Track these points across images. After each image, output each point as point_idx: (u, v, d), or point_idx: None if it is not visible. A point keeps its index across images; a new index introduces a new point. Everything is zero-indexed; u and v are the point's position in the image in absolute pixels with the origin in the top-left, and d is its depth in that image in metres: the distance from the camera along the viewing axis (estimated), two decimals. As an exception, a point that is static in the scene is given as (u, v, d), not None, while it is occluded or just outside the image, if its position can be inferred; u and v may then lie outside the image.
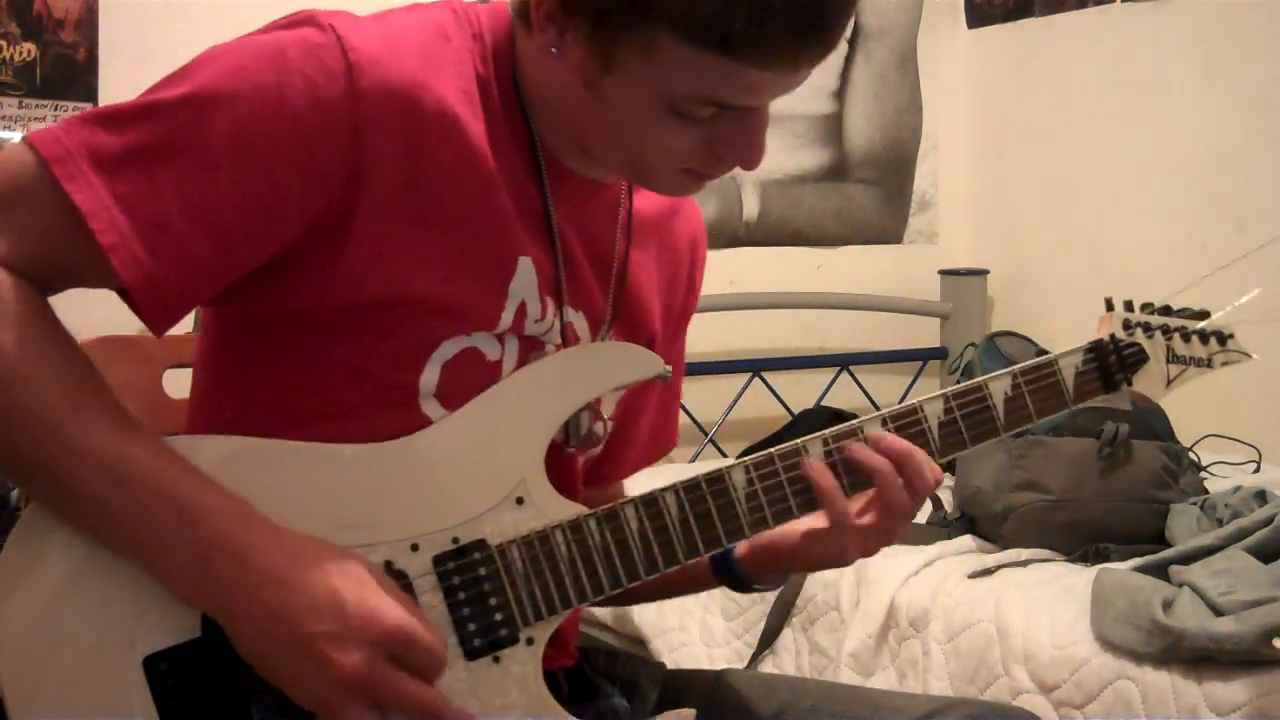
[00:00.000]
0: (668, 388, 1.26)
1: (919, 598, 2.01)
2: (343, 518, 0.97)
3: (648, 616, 2.34)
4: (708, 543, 1.03)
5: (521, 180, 1.04)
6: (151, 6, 2.40)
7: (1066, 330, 2.93)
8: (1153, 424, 2.29)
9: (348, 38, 0.94)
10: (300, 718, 0.93)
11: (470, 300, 1.01)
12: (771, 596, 2.19)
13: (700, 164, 1.00)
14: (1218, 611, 1.66)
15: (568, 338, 1.08)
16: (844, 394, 3.16)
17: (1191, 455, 2.46)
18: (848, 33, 3.34)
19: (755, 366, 3.12)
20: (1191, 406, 2.70)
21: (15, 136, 2.36)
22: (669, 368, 1.09)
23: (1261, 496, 2.10)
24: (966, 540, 2.19)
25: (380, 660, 0.90)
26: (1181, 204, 3.00)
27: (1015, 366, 1.11)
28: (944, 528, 2.24)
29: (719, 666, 1.45)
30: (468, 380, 1.02)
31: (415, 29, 1.00)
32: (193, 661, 0.92)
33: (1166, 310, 1.19)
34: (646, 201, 1.15)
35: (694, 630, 2.30)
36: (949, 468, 2.59)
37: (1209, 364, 1.20)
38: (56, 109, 2.39)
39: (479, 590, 0.98)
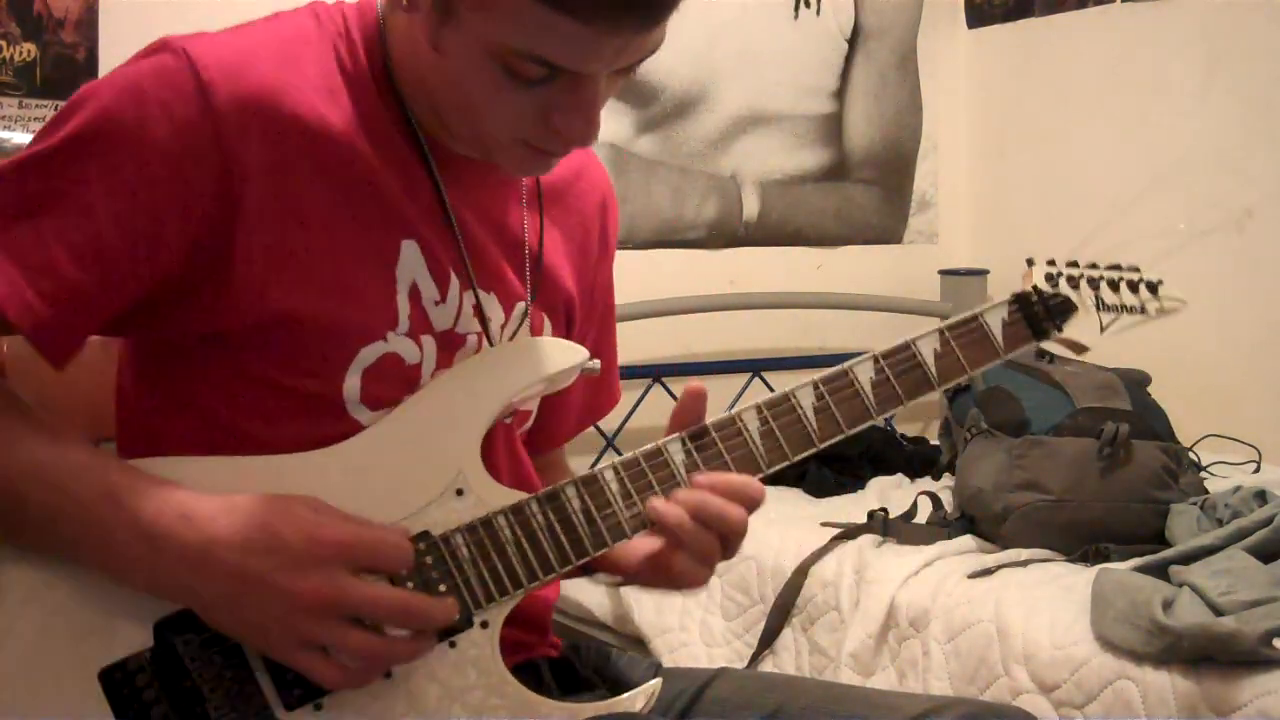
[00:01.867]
0: (600, 346, 1.27)
1: (919, 598, 2.01)
2: None
3: (647, 616, 2.34)
4: None
5: (411, 167, 1.05)
6: (151, 6, 2.40)
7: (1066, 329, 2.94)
8: (1153, 424, 2.29)
9: (199, 57, 0.96)
10: (256, 714, 0.95)
11: (361, 294, 1.02)
12: (771, 596, 2.19)
13: (536, 136, 0.99)
14: (1218, 611, 1.66)
15: (481, 320, 1.09)
16: (844, 394, 3.16)
17: (1191, 455, 2.46)
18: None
19: (755, 366, 3.12)
20: (1191, 406, 2.71)
21: (15, 136, 2.36)
22: (597, 361, 1.12)
23: (1261, 496, 2.10)
24: (966, 540, 2.19)
25: (340, 574, 0.92)
26: (1181, 204, 3.00)
27: (942, 324, 1.14)
28: (944, 528, 2.24)
29: (718, 666, 1.45)
30: (390, 384, 1.04)
31: (272, 36, 1.02)
32: (147, 670, 0.94)
33: (1093, 266, 1.22)
34: (550, 174, 1.14)
35: (694, 630, 2.30)
36: (949, 468, 2.59)
37: (1143, 310, 1.23)
38: (56, 109, 2.38)
39: (426, 578, 0.99)
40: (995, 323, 1.15)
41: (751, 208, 3.27)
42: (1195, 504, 2.14)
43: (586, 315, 1.25)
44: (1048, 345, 1.20)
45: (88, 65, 2.40)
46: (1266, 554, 1.82)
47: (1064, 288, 1.19)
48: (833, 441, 1.09)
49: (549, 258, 1.16)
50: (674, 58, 3.07)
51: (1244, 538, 1.87)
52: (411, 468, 1.02)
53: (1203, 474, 2.47)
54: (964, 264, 3.45)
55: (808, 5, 3.30)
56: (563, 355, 1.10)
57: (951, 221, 3.57)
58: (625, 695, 1.06)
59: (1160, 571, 1.85)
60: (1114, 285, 1.21)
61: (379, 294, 1.03)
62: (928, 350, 1.12)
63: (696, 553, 1.04)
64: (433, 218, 1.06)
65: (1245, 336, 2.89)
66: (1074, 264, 1.21)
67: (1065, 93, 3.29)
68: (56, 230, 0.94)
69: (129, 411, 1.10)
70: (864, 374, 1.10)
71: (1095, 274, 1.21)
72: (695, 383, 1.06)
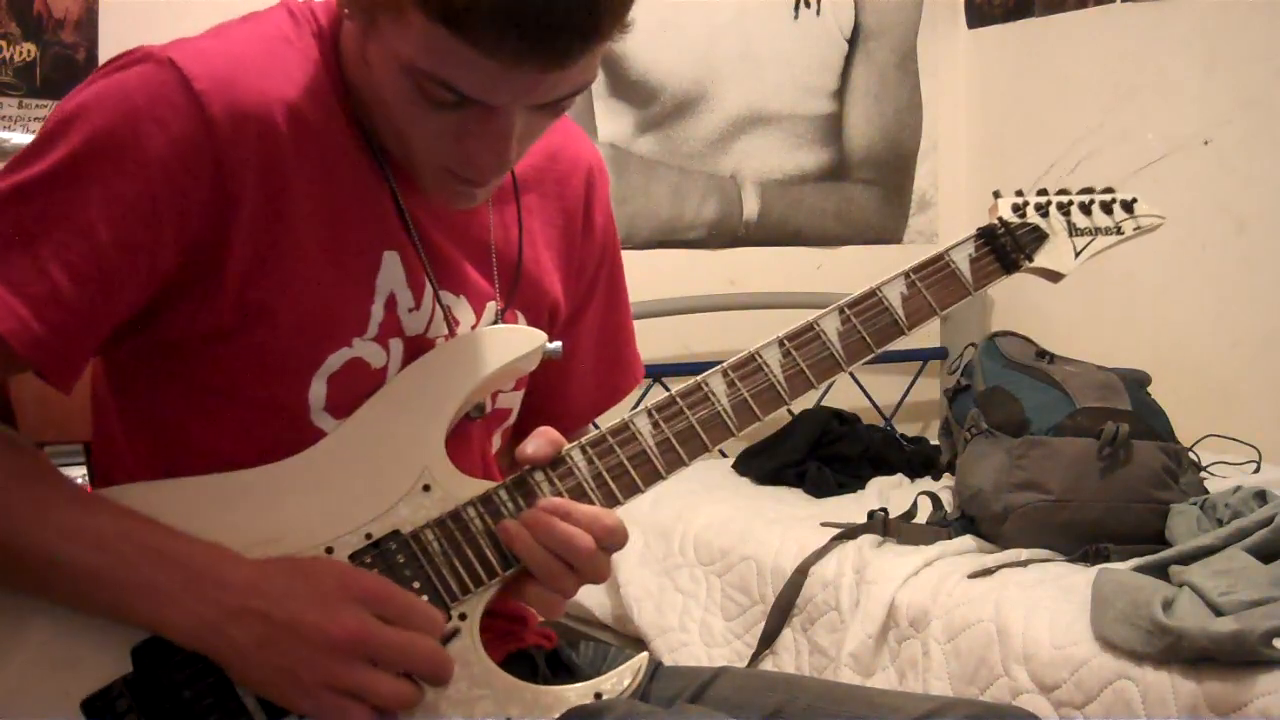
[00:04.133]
0: (607, 324, 1.25)
1: (919, 598, 2.01)
2: (249, 538, 0.98)
3: (648, 617, 2.34)
4: (625, 490, 1.04)
5: (375, 175, 1.04)
6: (151, 6, 2.40)
7: (1067, 330, 2.95)
8: (1153, 424, 2.28)
9: (188, 68, 0.95)
10: None
11: (341, 303, 1.02)
12: (771, 596, 2.19)
13: (454, 161, 0.98)
14: (1218, 611, 1.66)
15: (450, 324, 1.08)
16: (844, 394, 3.16)
17: (1191, 455, 2.45)
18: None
19: (755, 367, 3.12)
20: (1191, 406, 2.71)
21: (15, 137, 2.35)
22: (558, 344, 1.10)
23: (1261, 496, 2.10)
24: (966, 540, 2.19)
25: (370, 617, 0.93)
26: (1181, 204, 3.00)
27: (906, 267, 1.13)
28: (944, 528, 2.24)
29: (719, 666, 1.45)
30: (355, 390, 1.04)
31: (254, 40, 1.01)
32: (128, 696, 0.94)
33: (1063, 192, 1.20)
34: (520, 163, 1.11)
35: (694, 630, 2.30)
36: (949, 468, 2.59)
37: (1119, 231, 1.21)
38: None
39: (399, 577, 0.99)
40: (962, 260, 1.15)
41: (751, 208, 3.27)
42: (1195, 504, 2.14)
43: (578, 297, 1.22)
44: (1022, 273, 1.18)
45: (87, 65, 2.40)
46: (1266, 554, 1.82)
47: (1032, 216, 1.17)
48: (802, 396, 1.09)
49: (527, 253, 1.15)
50: (674, 58, 3.06)
51: (1244, 538, 1.87)
52: (377, 469, 1.02)
53: (1203, 474, 2.47)
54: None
55: (808, 5, 3.30)
56: (520, 341, 1.09)
57: (951, 221, 3.56)
58: (612, 672, 1.04)
59: (1160, 571, 1.85)
60: (1085, 209, 1.20)
61: (355, 301, 1.03)
62: (894, 295, 1.12)
63: (545, 579, 1.00)
64: (397, 225, 1.05)
65: (1245, 336, 2.89)
66: (1043, 192, 1.19)
67: (1065, 93, 3.29)
68: (55, 253, 0.93)
69: (102, 430, 1.10)
70: (830, 325, 1.10)
71: (1065, 199, 1.19)
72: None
